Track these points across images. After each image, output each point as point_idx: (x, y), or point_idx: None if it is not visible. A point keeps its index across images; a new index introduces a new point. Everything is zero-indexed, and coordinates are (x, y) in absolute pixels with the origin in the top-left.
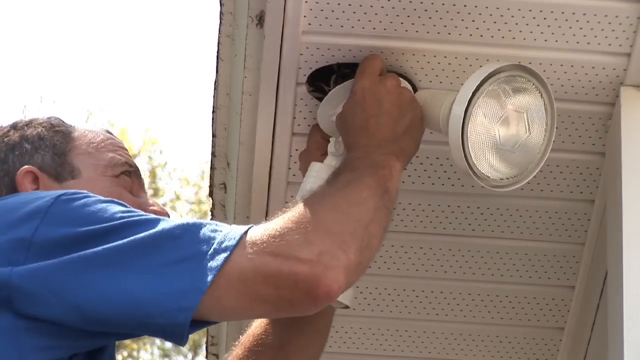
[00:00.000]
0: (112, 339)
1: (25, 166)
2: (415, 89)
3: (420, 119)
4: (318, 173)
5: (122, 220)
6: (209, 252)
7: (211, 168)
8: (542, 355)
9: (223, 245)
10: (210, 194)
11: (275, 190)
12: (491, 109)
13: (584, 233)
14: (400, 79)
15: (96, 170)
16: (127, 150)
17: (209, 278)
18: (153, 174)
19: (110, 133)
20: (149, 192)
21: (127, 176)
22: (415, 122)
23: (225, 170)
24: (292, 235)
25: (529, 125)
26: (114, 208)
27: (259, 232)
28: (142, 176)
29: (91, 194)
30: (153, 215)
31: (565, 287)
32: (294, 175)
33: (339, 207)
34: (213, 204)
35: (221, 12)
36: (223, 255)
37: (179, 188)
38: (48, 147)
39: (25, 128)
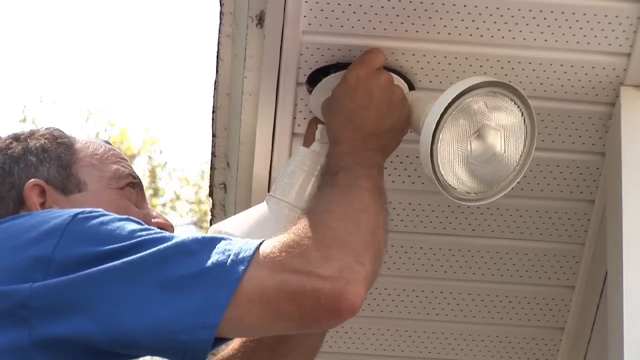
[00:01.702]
0: None
1: (32, 179)
2: (411, 87)
3: (406, 118)
4: (302, 158)
5: (140, 239)
6: (227, 264)
7: (211, 168)
8: (542, 355)
9: (240, 257)
10: (210, 194)
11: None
12: (465, 123)
13: (584, 233)
14: (396, 76)
15: (101, 183)
16: (128, 161)
17: (231, 290)
18: (153, 174)
19: (110, 144)
20: (149, 192)
21: (131, 188)
22: (401, 121)
23: (225, 170)
24: (310, 251)
25: (504, 142)
26: (131, 226)
27: (276, 247)
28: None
29: (107, 212)
30: (168, 233)
31: (565, 287)
32: None
33: (348, 216)
34: (213, 204)
35: (221, 12)
36: (241, 268)
37: (179, 188)
38: (53, 160)
39: (28, 140)
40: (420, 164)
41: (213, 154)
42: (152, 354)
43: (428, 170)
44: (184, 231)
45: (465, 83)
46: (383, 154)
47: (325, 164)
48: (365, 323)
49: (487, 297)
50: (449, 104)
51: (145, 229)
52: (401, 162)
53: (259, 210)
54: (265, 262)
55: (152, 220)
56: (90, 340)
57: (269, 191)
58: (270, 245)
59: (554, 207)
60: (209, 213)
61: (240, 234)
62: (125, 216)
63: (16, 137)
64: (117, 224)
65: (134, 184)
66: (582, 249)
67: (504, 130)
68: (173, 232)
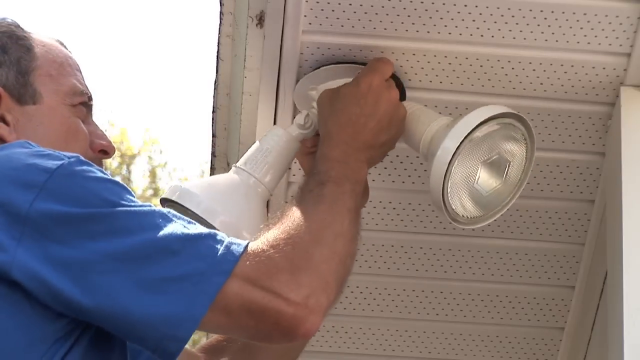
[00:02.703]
0: None
1: None
2: (404, 91)
3: (398, 138)
4: (277, 138)
5: (120, 208)
6: (207, 273)
7: (211, 168)
8: (542, 355)
9: (221, 268)
10: None
11: (275, 190)
12: (478, 151)
13: (584, 233)
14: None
15: (56, 97)
16: (81, 71)
17: (206, 304)
18: (153, 174)
19: (63, 45)
20: (149, 192)
21: (82, 106)
22: (394, 140)
23: (225, 170)
24: (283, 273)
25: (507, 173)
26: (113, 191)
27: (254, 259)
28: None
29: (88, 167)
30: (150, 207)
31: (565, 287)
32: (293, 175)
33: (326, 241)
34: None
35: (221, 12)
36: (220, 280)
37: None
38: (12, 64)
39: None
40: (424, 183)
41: (213, 154)
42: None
43: (437, 196)
44: None
45: (484, 112)
46: (368, 166)
47: (315, 166)
48: (365, 323)
49: (487, 297)
50: (467, 134)
51: (126, 197)
52: (401, 162)
53: (228, 179)
54: (241, 276)
55: (97, 140)
56: (71, 315)
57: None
58: (250, 258)
59: (554, 207)
60: None
61: (202, 195)
62: (106, 176)
63: None
64: (98, 185)
65: (86, 102)
66: (582, 249)
67: (512, 161)
68: (114, 153)
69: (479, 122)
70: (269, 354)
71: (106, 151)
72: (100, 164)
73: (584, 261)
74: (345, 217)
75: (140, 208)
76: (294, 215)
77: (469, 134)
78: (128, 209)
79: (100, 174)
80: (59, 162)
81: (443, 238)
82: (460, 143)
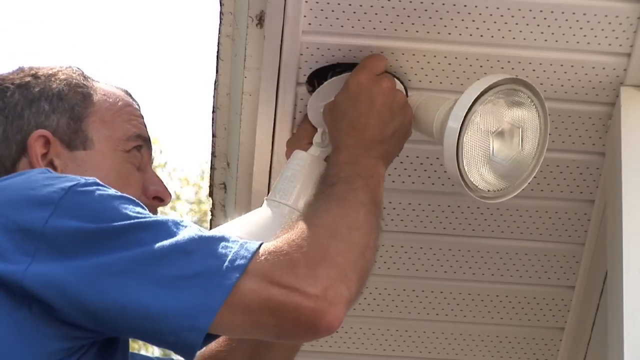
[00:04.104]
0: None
1: (40, 130)
2: (406, 91)
3: (409, 124)
4: (300, 162)
5: (134, 221)
6: (222, 269)
7: (211, 168)
8: (542, 355)
9: (236, 264)
10: (210, 194)
11: None
12: (487, 121)
13: (584, 233)
14: (396, 80)
15: (108, 143)
16: (142, 117)
17: (222, 296)
18: None
19: (130, 95)
20: None
21: (137, 151)
22: (404, 126)
23: (225, 170)
24: (300, 267)
25: (522, 140)
26: (126, 206)
27: (269, 258)
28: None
29: (102, 187)
30: (163, 217)
31: (565, 287)
32: None
33: (341, 233)
34: (213, 204)
35: (221, 12)
36: (236, 274)
37: (179, 188)
38: (65, 110)
39: (47, 81)
40: (442, 165)
41: (213, 154)
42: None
43: (453, 171)
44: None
45: (485, 81)
46: (385, 161)
47: (325, 173)
48: (365, 323)
49: (487, 297)
50: (470, 105)
51: (140, 212)
52: (401, 162)
53: (260, 213)
54: (256, 273)
55: (151, 186)
56: (85, 326)
57: (269, 191)
58: (264, 255)
59: (554, 207)
60: (209, 213)
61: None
62: (120, 194)
63: (35, 75)
64: (112, 202)
65: (141, 146)
66: (582, 249)
67: (523, 127)
68: (170, 201)
69: (475, 96)
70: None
71: (161, 198)
72: (155, 211)
73: (584, 261)
74: (359, 210)
75: (154, 219)
76: (307, 215)
77: (468, 110)
78: (141, 220)
79: (113, 191)
80: (74, 182)
81: (443, 238)
82: (463, 122)
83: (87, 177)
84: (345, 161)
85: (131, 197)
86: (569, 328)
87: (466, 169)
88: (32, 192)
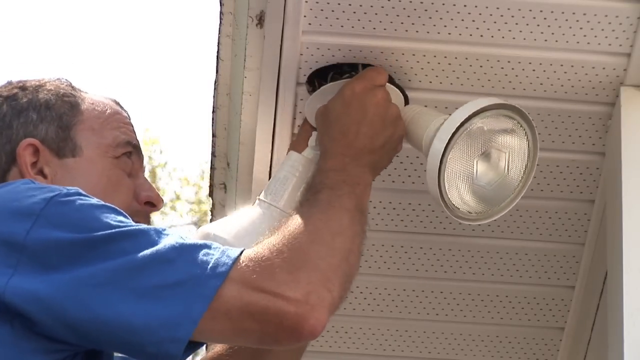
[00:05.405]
0: None
1: (28, 139)
2: (407, 101)
3: (400, 137)
4: (294, 163)
5: (115, 230)
6: (203, 277)
7: (211, 168)
8: (542, 355)
9: (217, 271)
10: (210, 194)
11: None
12: (473, 144)
13: (584, 233)
14: (394, 87)
15: (98, 149)
16: (132, 125)
17: (203, 305)
18: (153, 174)
19: (118, 104)
20: None
21: (127, 157)
22: (394, 139)
23: (225, 170)
24: (281, 272)
25: (508, 165)
26: (108, 216)
27: (249, 265)
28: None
29: (85, 196)
30: (144, 226)
31: (565, 287)
32: None
33: (323, 238)
34: (213, 204)
35: (221, 12)
36: (216, 283)
37: (179, 188)
38: (54, 119)
39: (34, 92)
40: (423, 183)
41: (213, 154)
42: (115, 351)
43: (434, 190)
44: (183, 231)
45: (475, 105)
46: (373, 171)
47: (311, 179)
48: (365, 323)
49: (487, 297)
50: (458, 126)
51: (122, 221)
52: (401, 162)
53: (249, 214)
54: (238, 279)
55: (143, 192)
56: (66, 339)
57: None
58: (245, 262)
59: (554, 207)
60: (209, 213)
61: (230, 238)
62: (102, 203)
63: (23, 87)
64: (94, 211)
65: (131, 152)
66: (582, 249)
67: (510, 152)
68: (162, 206)
69: (463, 119)
70: None
71: (153, 203)
72: (147, 217)
73: (584, 261)
74: (343, 216)
75: (136, 227)
76: (290, 221)
77: (455, 131)
78: (123, 229)
79: (95, 201)
80: (56, 192)
81: (443, 238)
82: (447, 143)
83: (69, 187)
84: (333, 168)
85: (113, 206)
86: (569, 328)
87: (447, 189)
88: (14, 203)
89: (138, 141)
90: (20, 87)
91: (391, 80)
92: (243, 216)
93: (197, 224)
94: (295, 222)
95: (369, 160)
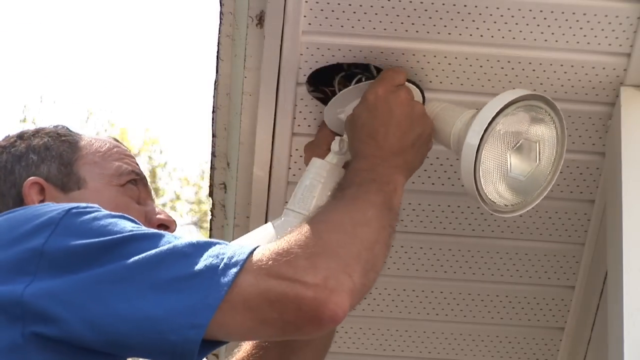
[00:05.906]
0: None
1: (32, 177)
2: (424, 100)
3: (429, 134)
4: (318, 170)
5: (132, 233)
6: (220, 267)
7: (211, 168)
8: (542, 355)
9: (233, 261)
10: (210, 194)
11: (275, 190)
12: (506, 137)
13: (584, 233)
14: (414, 87)
15: (102, 180)
16: (134, 158)
17: (221, 293)
18: (153, 174)
19: (117, 141)
20: None
21: (133, 185)
22: (424, 137)
23: (225, 170)
24: (298, 259)
25: (539, 154)
26: (124, 223)
27: (265, 253)
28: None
29: (101, 209)
30: (160, 231)
31: (565, 287)
32: (294, 175)
33: (344, 228)
34: (213, 204)
35: (221, 12)
36: (233, 270)
37: (179, 188)
38: (54, 158)
39: (32, 138)
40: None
41: (213, 154)
42: (141, 355)
43: (470, 186)
44: (184, 231)
45: (504, 98)
46: (405, 172)
47: (341, 179)
48: (365, 323)
49: (487, 297)
50: (490, 121)
51: (138, 227)
52: None
53: (280, 225)
54: (254, 269)
55: (155, 216)
56: (82, 340)
57: (269, 191)
58: (262, 252)
59: (554, 207)
60: (209, 213)
61: None
62: (119, 213)
63: (21, 136)
64: (110, 219)
65: (136, 180)
66: (582, 249)
67: (540, 141)
68: (175, 228)
69: (494, 113)
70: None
71: (166, 225)
72: None
73: (584, 261)
74: (368, 208)
75: (153, 231)
76: (313, 215)
77: (487, 126)
78: (140, 232)
79: (112, 213)
80: (76, 205)
81: (443, 238)
82: (481, 139)
83: (88, 203)
84: (362, 168)
85: (129, 216)
86: (569, 328)
87: (483, 184)
88: (34, 216)
89: (143, 172)
90: (18, 136)
91: (408, 79)
92: (272, 227)
93: (197, 224)
94: (318, 215)
95: (399, 161)
